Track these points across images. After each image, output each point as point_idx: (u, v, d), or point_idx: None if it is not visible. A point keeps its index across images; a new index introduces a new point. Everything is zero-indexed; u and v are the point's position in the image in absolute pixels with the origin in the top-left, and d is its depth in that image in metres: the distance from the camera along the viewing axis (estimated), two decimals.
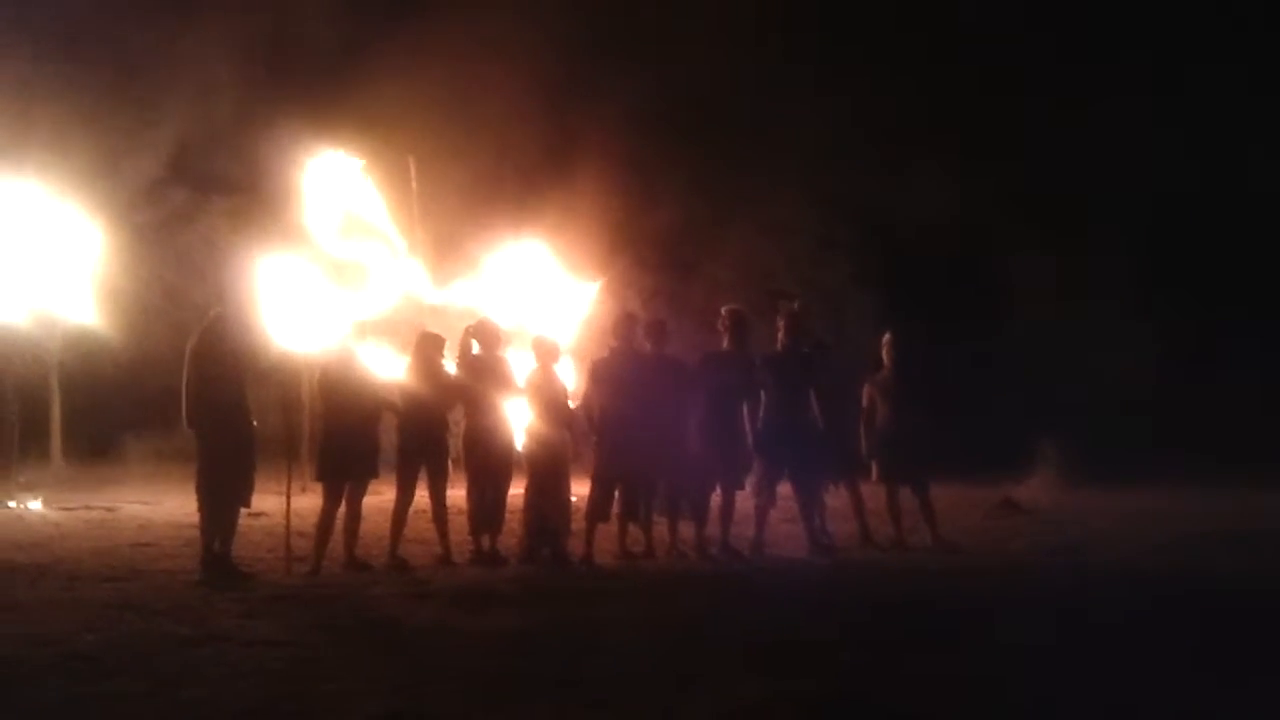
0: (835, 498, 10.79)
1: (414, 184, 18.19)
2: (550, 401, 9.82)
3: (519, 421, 10.01)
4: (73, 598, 7.72)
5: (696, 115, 22.63)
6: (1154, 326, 18.92)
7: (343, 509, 9.28)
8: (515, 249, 16.55)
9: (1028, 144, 20.65)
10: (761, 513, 9.93)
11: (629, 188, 20.74)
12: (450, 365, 10.05)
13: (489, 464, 9.73)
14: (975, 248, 21.15)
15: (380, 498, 10.47)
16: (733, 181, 22.66)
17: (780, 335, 10.23)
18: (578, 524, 9.95)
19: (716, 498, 9.99)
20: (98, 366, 19.87)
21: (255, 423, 8.94)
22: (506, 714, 4.84)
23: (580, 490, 10.26)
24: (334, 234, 16.41)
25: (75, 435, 20.36)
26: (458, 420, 10.22)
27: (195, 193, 20.87)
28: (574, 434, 10.16)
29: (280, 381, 10.47)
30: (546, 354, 10.05)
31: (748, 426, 9.95)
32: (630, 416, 9.65)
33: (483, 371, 9.86)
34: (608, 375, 9.86)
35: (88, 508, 14.13)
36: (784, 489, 10.07)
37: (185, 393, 8.70)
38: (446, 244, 18.45)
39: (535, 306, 15.48)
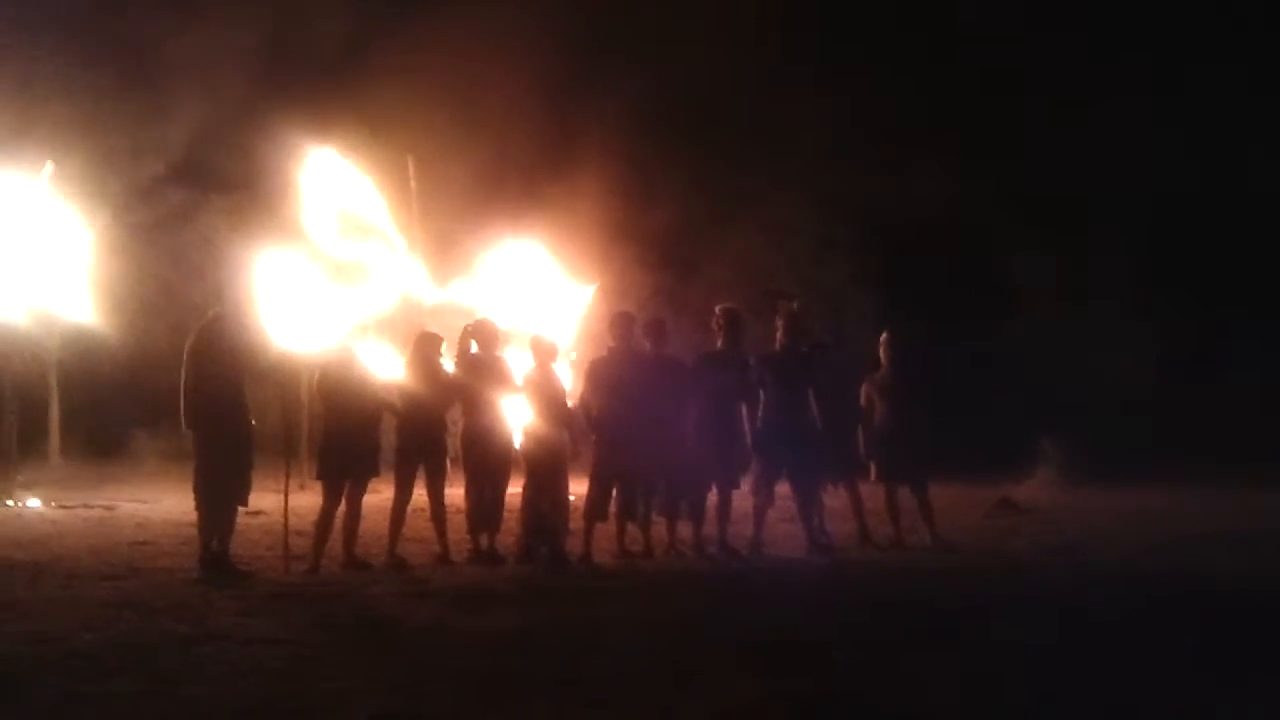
0: (834, 497, 10.78)
1: (413, 183, 18.19)
2: (548, 401, 9.82)
3: (517, 421, 10.01)
4: (71, 596, 7.71)
5: (696, 115, 22.67)
6: (1154, 326, 18.96)
7: (342, 508, 9.28)
8: (514, 248, 16.54)
9: (1028, 144, 20.68)
10: (760, 512, 9.92)
11: (628, 187, 20.77)
12: (449, 364, 10.04)
13: (487, 463, 9.73)
14: (975, 247, 21.18)
15: (379, 496, 10.46)
16: (732, 181, 22.70)
17: (779, 335, 10.22)
18: (576, 523, 9.94)
19: (714, 497, 9.98)
20: (96, 365, 19.89)
21: (254, 421, 8.94)
22: (505, 713, 4.83)
23: (578, 489, 10.25)
24: (333, 233, 16.39)
25: (73, 433, 20.38)
26: (456, 419, 10.21)
27: (194, 191, 20.92)
28: (572, 433, 10.15)
29: (279, 380, 10.44)
30: (545, 353, 10.05)
31: (746, 426, 9.96)
32: (628, 416, 9.64)
33: (481, 371, 9.86)
34: (605, 375, 9.86)
35: (86, 506, 14.14)
36: (783, 489, 10.07)
37: (184, 392, 8.70)
38: (445, 243, 18.46)
39: (533, 306, 15.46)
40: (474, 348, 10.00)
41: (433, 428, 9.79)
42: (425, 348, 9.93)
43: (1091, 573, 8.87)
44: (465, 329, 10.21)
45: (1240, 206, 20.22)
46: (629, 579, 8.73)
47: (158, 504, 14.29)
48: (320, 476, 9.43)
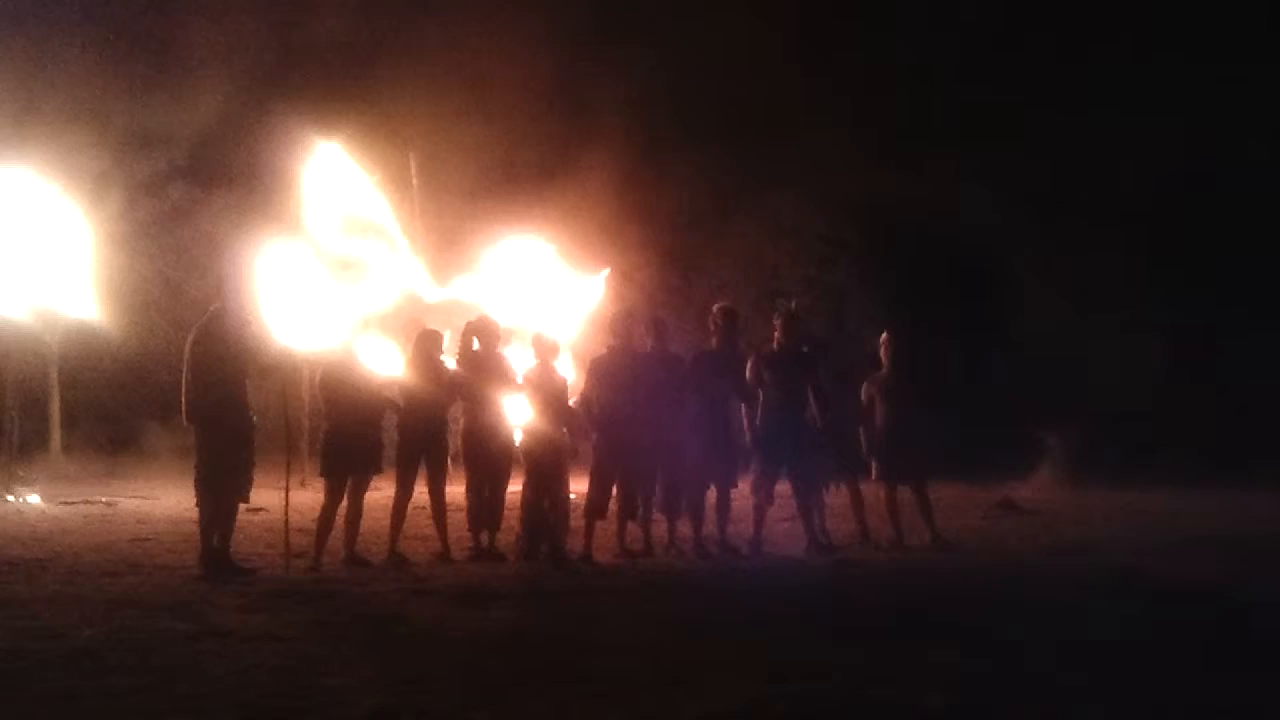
0: (835, 497, 10.78)
1: (414, 180, 18.19)
2: (549, 398, 9.82)
3: (518, 419, 10.01)
4: (72, 592, 7.71)
5: (701, 113, 22.65)
6: (1158, 327, 18.93)
7: (344, 505, 9.28)
8: (516, 245, 16.55)
9: (1033, 144, 20.64)
10: (760, 511, 9.93)
11: (631, 185, 20.76)
12: (450, 361, 10.05)
13: (488, 461, 9.74)
14: (979, 247, 21.15)
15: (380, 494, 10.47)
16: (737, 179, 22.68)
17: (777, 334, 10.23)
18: (576, 521, 9.95)
19: (713, 495, 9.99)
20: (98, 361, 19.89)
21: (255, 418, 8.95)
22: (505, 710, 4.83)
23: (579, 488, 10.25)
24: (335, 230, 16.40)
25: (75, 430, 20.38)
26: (457, 417, 10.22)
27: (196, 188, 20.90)
28: (572, 431, 10.16)
29: (279, 377, 10.44)
30: (546, 351, 10.04)
31: (745, 425, 9.97)
32: (628, 414, 9.65)
33: (482, 368, 9.86)
34: (606, 373, 9.86)
35: (87, 502, 14.15)
36: (783, 488, 10.07)
37: (185, 388, 8.70)
38: (447, 240, 18.46)
39: (535, 303, 15.47)
40: (475, 345, 10.01)
41: (434, 425, 9.80)
42: (426, 345, 9.93)
43: (1092, 574, 8.85)
44: (467, 326, 10.21)
45: (1243, 206, 20.20)
46: (629, 577, 8.73)
47: (159, 501, 14.31)
48: (322, 473, 9.44)
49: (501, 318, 11.02)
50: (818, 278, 23.18)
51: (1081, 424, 16.89)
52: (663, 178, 21.62)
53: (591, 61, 20.86)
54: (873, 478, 10.56)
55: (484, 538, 9.74)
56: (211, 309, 8.97)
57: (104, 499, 14.57)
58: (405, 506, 9.63)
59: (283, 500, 9.42)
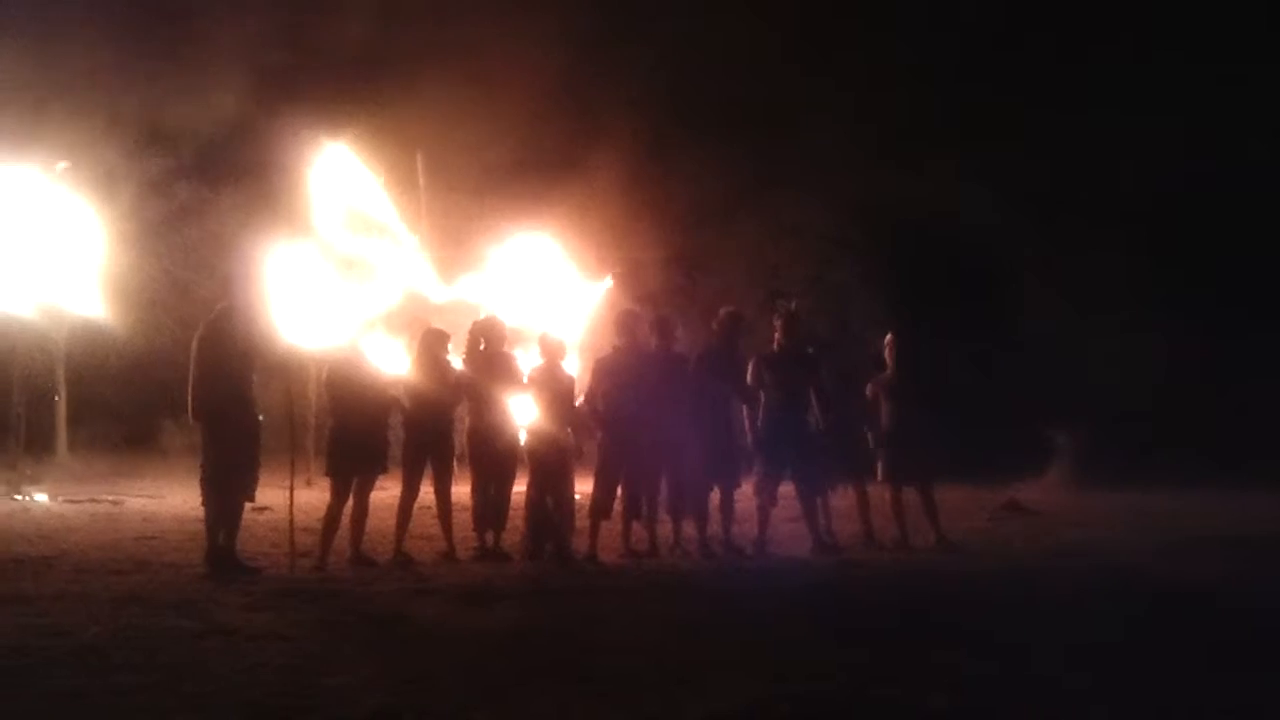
0: (840, 498, 10.78)
1: (421, 180, 18.19)
2: (554, 398, 9.82)
3: (523, 418, 10.02)
4: (78, 590, 7.73)
5: (704, 113, 22.65)
6: (1158, 327, 18.88)
7: (349, 504, 9.29)
8: (522, 245, 16.54)
9: (1033, 144, 20.61)
10: (763, 512, 9.93)
11: (636, 184, 20.76)
12: (456, 361, 10.05)
13: (494, 461, 9.75)
14: (979, 247, 21.12)
15: (386, 493, 10.48)
16: (741, 179, 22.66)
17: (777, 335, 10.23)
18: (581, 521, 9.95)
19: (716, 496, 9.99)
20: (104, 360, 19.92)
21: (261, 416, 8.96)
22: (508, 710, 4.84)
23: (584, 488, 10.26)
24: (341, 229, 16.40)
25: (81, 428, 20.42)
26: (463, 417, 10.23)
27: (204, 186, 20.93)
28: (577, 431, 10.16)
29: (284, 375, 10.45)
30: (552, 351, 10.05)
31: (746, 426, 9.98)
32: (633, 414, 9.66)
33: (489, 368, 9.87)
34: (611, 373, 9.87)
35: (93, 500, 14.19)
36: (788, 489, 10.07)
37: (191, 386, 8.72)
38: (453, 240, 18.46)
39: (542, 303, 15.46)
40: (481, 345, 10.02)
41: (440, 425, 9.81)
42: (432, 344, 9.94)
43: (1095, 575, 8.84)
44: (473, 326, 10.22)
45: (1243, 206, 20.15)
46: (634, 577, 8.74)
47: (164, 499, 14.34)
48: (328, 473, 9.45)
49: (508, 317, 11.02)
50: (821, 277, 23.17)
51: (1083, 425, 16.87)
52: (667, 178, 21.61)
53: (597, 63, 20.87)
54: (878, 478, 10.56)
55: (489, 537, 9.75)
56: (218, 307, 9.00)
57: (110, 497, 14.60)
58: (411, 506, 9.64)
59: (288, 499, 9.43)
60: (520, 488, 9.96)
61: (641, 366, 9.81)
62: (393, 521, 9.67)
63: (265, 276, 9.92)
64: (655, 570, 9.14)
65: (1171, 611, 7.09)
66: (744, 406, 10.05)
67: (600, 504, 9.78)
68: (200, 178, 21.10)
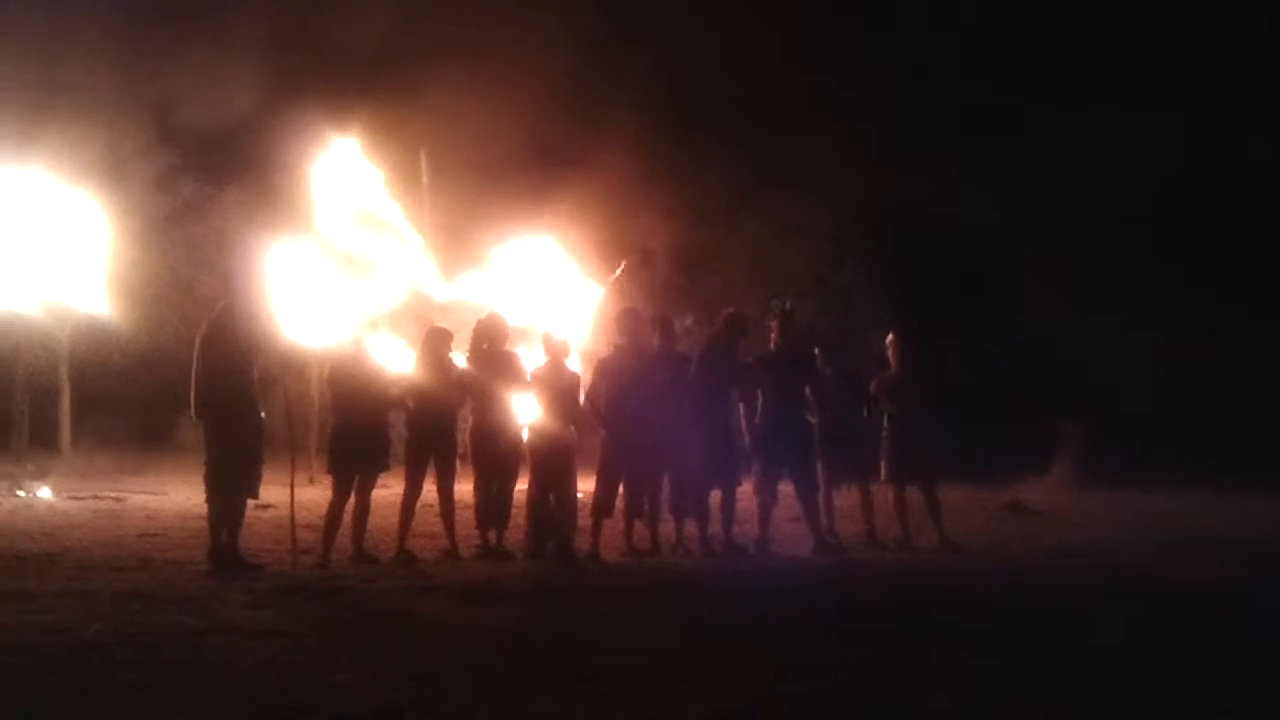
0: (843, 497, 10.79)
1: (425, 178, 18.20)
2: (557, 397, 9.84)
3: (526, 417, 10.03)
4: (81, 587, 7.75)
5: (706, 113, 22.64)
6: (1158, 327, 18.88)
7: (351, 502, 9.31)
8: (525, 244, 16.56)
9: (1033, 144, 20.60)
10: (764, 510, 9.94)
11: (640, 184, 20.75)
12: (459, 359, 10.06)
13: (497, 459, 9.76)
14: (979, 248, 21.12)
15: (388, 491, 10.50)
16: (744, 179, 22.66)
17: (773, 335, 10.24)
18: (584, 520, 9.97)
19: (717, 495, 10.01)
20: (108, 357, 19.93)
21: (264, 414, 8.97)
22: (509, 708, 4.85)
23: (587, 486, 10.27)
24: (345, 227, 16.42)
25: (84, 425, 20.43)
26: (466, 415, 10.24)
27: (207, 184, 20.93)
28: (579, 428, 10.17)
29: (285, 373, 10.46)
30: (556, 349, 10.06)
31: (744, 426, 9.99)
32: (634, 413, 9.67)
33: (491, 366, 9.88)
34: (612, 372, 9.88)
35: (96, 497, 14.20)
36: (789, 488, 10.08)
37: (194, 383, 8.73)
38: (456, 238, 18.47)
39: (545, 302, 15.48)
40: (485, 344, 10.03)
41: (444, 423, 9.82)
42: (435, 343, 9.95)
43: (1095, 575, 8.85)
44: (477, 324, 10.23)
45: (1243, 206, 20.14)
46: (635, 576, 8.74)
47: (167, 496, 14.37)
48: (330, 470, 9.49)
49: (511, 316, 11.03)
50: (823, 278, 23.17)
51: (1083, 425, 16.87)
52: (670, 177, 21.60)
53: (599, 63, 20.86)
54: (882, 478, 10.57)
55: (492, 535, 9.77)
56: (220, 305, 9.01)
57: (113, 494, 14.62)
58: (414, 504, 9.65)
59: (288, 496, 9.43)
60: (524, 486, 9.96)
61: (642, 366, 9.83)
62: (395, 519, 9.69)
63: (268, 274, 9.93)
64: (657, 569, 9.15)
65: (1171, 612, 7.09)
66: (741, 405, 10.06)
67: (601, 503, 9.80)
68: (204, 174, 21.09)
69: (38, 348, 18.63)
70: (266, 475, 9.00)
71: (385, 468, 9.60)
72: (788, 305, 10.75)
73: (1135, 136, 19.61)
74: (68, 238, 15.88)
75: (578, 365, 10.96)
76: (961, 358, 17.07)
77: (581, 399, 10.11)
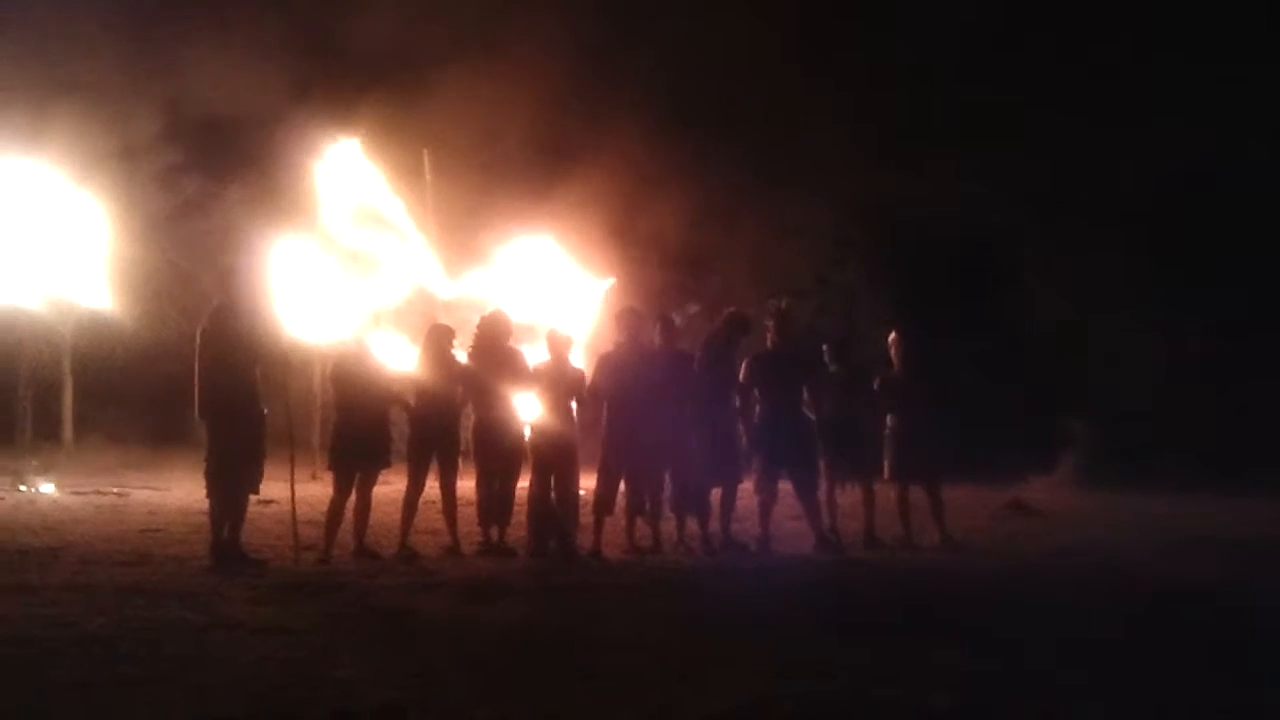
0: (846, 496, 10.79)
1: (428, 176, 18.22)
2: (561, 394, 9.84)
3: (529, 414, 10.04)
4: (84, 582, 7.76)
5: (709, 112, 22.64)
6: (1162, 328, 18.88)
7: (352, 498, 9.32)
8: (528, 242, 16.58)
9: (1033, 144, 20.59)
10: (764, 509, 9.95)
11: (641, 183, 20.75)
12: (462, 356, 10.07)
13: (499, 456, 9.77)
14: (979, 248, 21.12)
15: (391, 488, 10.51)
16: (746, 178, 22.65)
17: (770, 334, 10.25)
18: (586, 517, 9.98)
19: (718, 493, 10.02)
20: (111, 352, 19.94)
21: (265, 410, 8.97)
22: (511, 705, 4.85)
23: (589, 484, 10.28)
24: (348, 224, 16.45)
25: (87, 420, 20.44)
26: (468, 412, 10.25)
27: (210, 180, 20.93)
28: (582, 423, 10.19)
29: (285, 368, 10.45)
30: (560, 346, 10.07)
31: (742, 425, 10.00)
32: (634, 411, 9.68)
33: (494, 363, 9.88)
34: (613, 369, 9.89)
35: (99, 492, 14.22)
36: (790, 486, 10.09)
37: (196, 381, 8.73)
38: (459, 236, 18.49)
39: (548, 300, 15.51)
40: (488, 341, 10.04)
41: (446, 419, 9.83)
42: (438, 340, 9.96)
43: (1096, 575, 8.86)
44: (481, 321, 10.24)
45: (1243, 206, 20.12)
46: (637, 574, 8.76)
47: (169, 491, 14.37)
48: (330, 466, 9.50)
49: (514, 313, 11.04)
50: (826, 277, 23.17)
51: (1085, 425, 16.87)
52: (673, 176, 21.60)
53: (600, 63, 20.86)
54: (885, 477, 10.57)
55: (494, 532, 9.77)
56: (216, 302, 8.98)
57: (115, 489, 14.64)
58: (416, 500, 9.66)
59: (289, 492, 9.44)
60: (525, 483, 9.97)
61: (643, 364, 9.83)
62: (397, 516, 9.69)
63: (270, 270, 9.94)
64: (658, 567, 9.16)
65: (1171, 611, 7.11)
66: (741, 406, 10.06)
67: (602, 500, 9.81)
68: (208, 171, 21.10)
69: (41, 343, 18.64)
70: (269, 471, 9.01)
71: (386, 464, 9.60)
72: (783, 304, 10.75)
73: (1135, 136, 19.62)
74: (71, 233, 15.91)
75: (581, 362, 10.97)
76: (963, 357, 17.06)
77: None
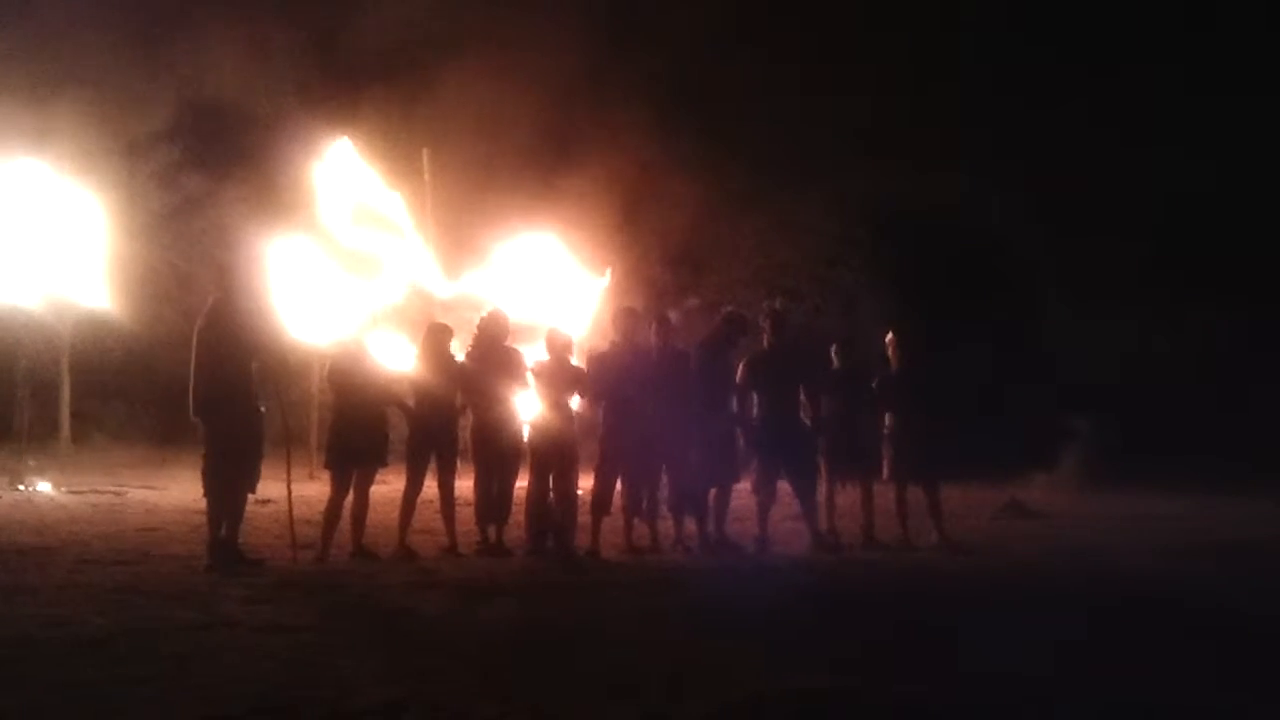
0: (844, 496, 10.78)
1: (427, 175, 18.21)
2: (559, 393, 9.83)
3: (527, 413, 10.03)
4: (81, 581, 7.75)
5: (710, 112, 22.66)
6: (1166, 328, 18.89)
7: (350, 498, 9.31)
8: (527, 242, 16.56)
9: (1038, 145, 20.62)
10: (762, 509, 9.95)
11: (641, 182, 20.78)
12: (460, 355, 10.06)
13: (497, 455, 9.76)
14: (984, 248, 21.14)
15: (389, 487, 10.50)
16: (746, 178, 22.68)
17: (765, 334, 10.25)
18: (584, 517, 9.97)
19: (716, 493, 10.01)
20: (109, 351, 19.95)
21: (263, 409, 8.95)
22: (509, 704, 4.84)
23: (587, 483, 10.27)
24: (346, 224, 16.43)
25: (85, 419, 20.45)
26: (466, 411, 10.23)
27: (209, 179, 20.96)
28: (580, 425, 10.18)
29: (282, 367, 10.44)
30: (559, 346, 10.06)
31: (740, 427, 10.00)
32: (630, 411, 9.67)
33: (493, 362, 9.87)
34: (611, 368, 9.88)
35: (96, 491, 14.21)
36: (788, 486, 10.09)
37: (192, 377, 8.71)
38: (458, 235, 18.49)
39: (547, 299, 15.49)
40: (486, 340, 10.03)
41: (445, 419, 9.82)
42: (437, 339, 9.95)
43: (1094, 576, 8.86)
44: (480, 321, 10.22)
45: (1244, 207, 20.15)
46: (635, 573, 8.75)
47: (167, 490, 14.37)
48: (327, 466, 9.48)
49: (513, 313, 11.02)
50: (827, 276, 23.19)
51: (1085, 425, 16.87)
52: (673, 176, 21.62)
53: (601, 62, 20.89)
54: (884, 477, 10.56)
55: (492, 532, 9.76)
56: (211, 300, 8.93)
57: (113, 488, 14.63)
58: (415, 500, 9.64)
59: (285, 492, 9.43)
60: (523, 483, 9.96)
61: (640, 363, 9.82)
62: (396, 515, 9.68)
63: (267, 269, 9.92)
64: (656, 566, 9.16)
65: (1171, 612, 7.10)
66: (739, 406, 10.06)
67: (600, 500, 9.80)
68: (206, 170, 21.12)
69: (39, 342, 18.65)
70: (267, 470, 8.99)
71: (383, 464, 9.59)
72: (778, 304, 10.75)
73: (1136, 136, 19.64)
74: (69, 232, 15.90)
75: (580, 361, 10.96)
76: (963, 357, 17.06)
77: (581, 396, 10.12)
